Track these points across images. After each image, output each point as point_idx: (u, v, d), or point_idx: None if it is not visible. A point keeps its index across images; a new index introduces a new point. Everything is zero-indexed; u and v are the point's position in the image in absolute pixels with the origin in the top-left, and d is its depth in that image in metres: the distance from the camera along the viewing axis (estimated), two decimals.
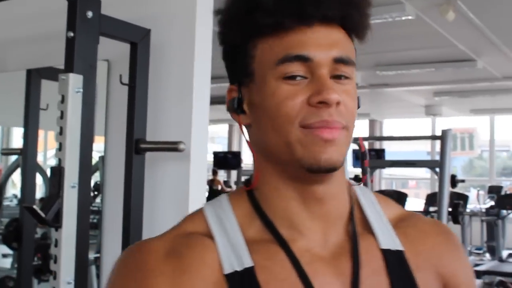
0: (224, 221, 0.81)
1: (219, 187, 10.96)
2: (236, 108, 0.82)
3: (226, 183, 11.95)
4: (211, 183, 10.55)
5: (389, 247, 0.83)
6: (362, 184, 0.90)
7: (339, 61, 0.77)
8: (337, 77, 0.77)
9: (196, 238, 0.80)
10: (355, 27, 0.81)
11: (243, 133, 0.84)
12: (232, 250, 0.78)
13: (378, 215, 0.86)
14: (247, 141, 0.85)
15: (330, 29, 0.77)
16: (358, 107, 0.81)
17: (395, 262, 0.82)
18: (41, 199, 2.62)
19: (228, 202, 0.84)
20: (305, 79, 0.76)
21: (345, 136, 0.77)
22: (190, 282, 0.75)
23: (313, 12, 0.76)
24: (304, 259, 0.78)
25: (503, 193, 9.86)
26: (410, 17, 5.59)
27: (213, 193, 9.97)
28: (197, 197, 1.85)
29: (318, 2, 0.76)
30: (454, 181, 7.14)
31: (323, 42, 0.76)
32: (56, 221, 1.53)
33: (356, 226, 0.83)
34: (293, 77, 0.76)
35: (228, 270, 0.76)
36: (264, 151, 0.81)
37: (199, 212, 0.84)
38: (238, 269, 0.76)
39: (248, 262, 0.77)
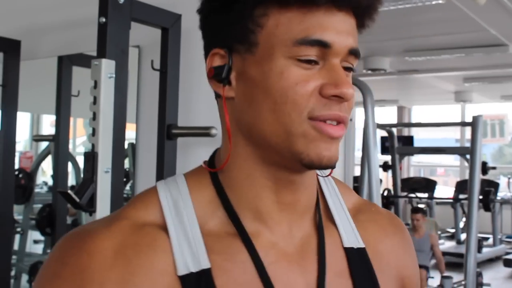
0: (180, 209, 0.72)
1: None
2: (223, 78, 0.73)
3: None
4: None
5: (352, 245, 0.79)
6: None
7: (352, 52, 0.71)
8: (346, 69, 0.72)
9: (147, 235, 0.70)
10: (367, 15, 0.73)
11: (225, 106, 0.74)
12: (189, 247, 0.70)
13: (341, 207, 0.82)
14: (224, 115, 0.75)
15: (349, 16, 0.71)
16: None
17: (357, 261, 0.78)
18: (73, 187, 2.65)
19: (186, 185, 0.75)
20: (317, 64, 0.69)
21: (343, 133, 0.72)
22: None
23: None
24: (268, 258, 0.72)
25: None
26: (440, 1, 5.48)
27: None
28: None
29: None
30: (485, 168, 7.05)
31: (343, 29, 0.70)
32: (90, 206, 1.55)
33: (322, 221, 0.79)
34: (308, 61, 0.69)
35: (182, 271, 0.69)
36: (248, 132, 0.72)
37: (152, 193, 0.74)
38: (194, 270, 0.69)
39: (205, 263, 0.69)
